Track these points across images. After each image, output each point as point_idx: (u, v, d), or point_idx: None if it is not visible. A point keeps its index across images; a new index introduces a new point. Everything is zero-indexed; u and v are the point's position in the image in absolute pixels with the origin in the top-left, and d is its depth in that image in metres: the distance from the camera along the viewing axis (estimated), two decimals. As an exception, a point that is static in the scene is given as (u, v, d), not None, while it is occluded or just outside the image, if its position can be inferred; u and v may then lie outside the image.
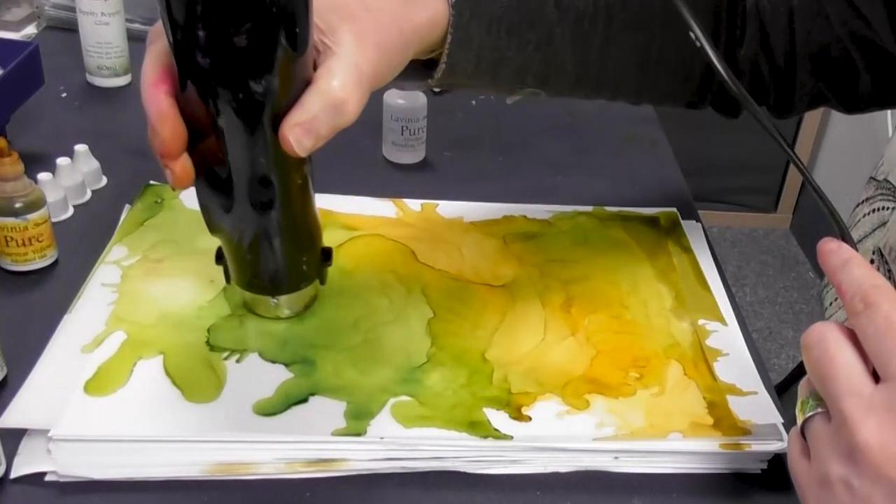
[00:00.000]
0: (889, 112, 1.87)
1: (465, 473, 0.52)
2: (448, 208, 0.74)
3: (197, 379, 0.54)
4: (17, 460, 0.49)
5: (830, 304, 0.72)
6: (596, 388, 0.56)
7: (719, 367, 0.58)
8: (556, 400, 0.55)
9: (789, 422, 0.47)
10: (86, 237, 0.68)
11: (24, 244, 0.62)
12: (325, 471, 0.51)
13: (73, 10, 0.94)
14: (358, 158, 0.83)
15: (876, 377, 0.39)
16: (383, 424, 0.52)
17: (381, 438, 0.51)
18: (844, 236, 0.44)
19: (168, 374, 0.54)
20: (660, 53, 0.62)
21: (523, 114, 0.93)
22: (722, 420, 0.54)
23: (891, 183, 0.65)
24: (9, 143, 0.61)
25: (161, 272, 0.63)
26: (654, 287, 0.66)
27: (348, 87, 0.45)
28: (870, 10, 0.59)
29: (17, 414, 0.51)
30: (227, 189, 0.48)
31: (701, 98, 0.66)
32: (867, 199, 0.68)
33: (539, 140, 0.90)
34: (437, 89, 0.59)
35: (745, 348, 0.61)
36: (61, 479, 0.49)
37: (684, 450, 0.53)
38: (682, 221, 0.74)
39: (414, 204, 0.74)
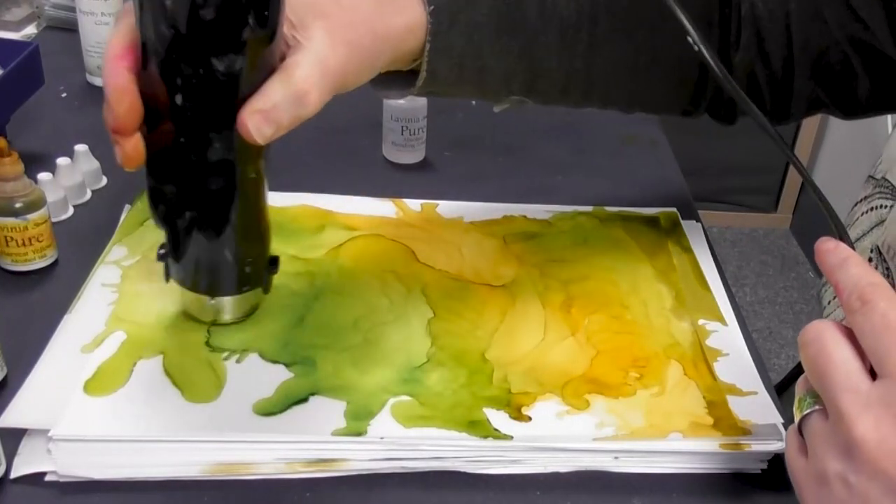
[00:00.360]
0: (889, 112, 1.87)
1: (465, 473, 0.52)
2: (448, 208, 0.74)
3: (197, 379, 0.54)
4: (17, 460, 0.49)
5: (829, 302, 0.72)
6: (596, 388, 0.56)
7: (719, 367, 0.58)
8: (556, 400, 0.55)
9: (789, 422, 0.47)
10: (86, 237, 0.68)
11: (24, 244, 0.62)
12: (325, 471, 0.51)
13: (73, 10, 0.94)
14: (358, 158, 0.83)
15: (873, 374, 0.39)
16: (383, 424, 0.52)
17: (381, 438, 0.51)
18: (842, 236, 0.44)
19: (168, 374, 0.54)
20: (649, 62, 0.61)
21: (523, 114, 0.92)
22: (722, 420, 0.54)
23: (889, 181, 0.65)
24: (9, 143, 0.61)
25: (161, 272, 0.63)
26: (654, 287, 0.66)
27: (312, 79, 0.45)
28: (868, 12, 0.59)
29: (17, 414, 0.51)
30: (176, 175, 0.47)
31: (695, 106, 0.66)
32: (865, 198, 0.68)
33: (539, 140, 0.90)
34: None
35: (745, 348, 0.61)
36: (61, 479, 0.49)
37: (684, 450, 0.53)
38: (682, 221, 0.74)
39: (414, 204, 0.74)
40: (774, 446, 0.52)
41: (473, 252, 0.68)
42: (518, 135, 0.90)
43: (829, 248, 0.43)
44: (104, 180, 0.75)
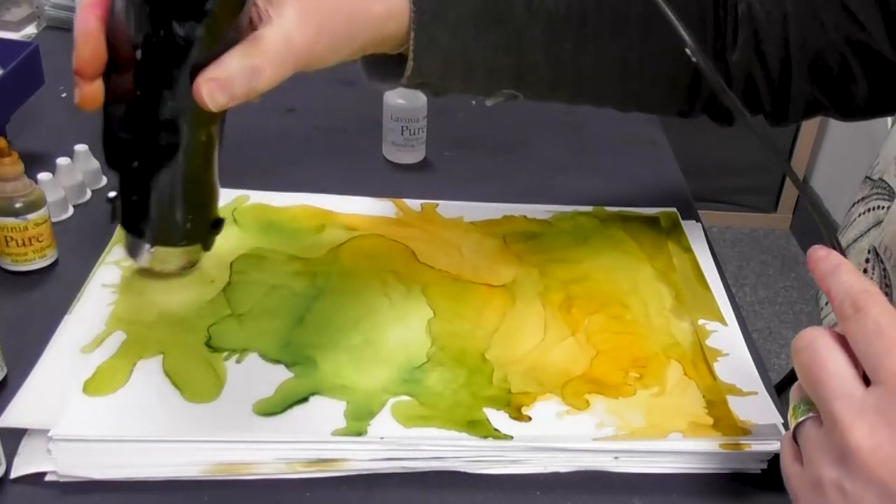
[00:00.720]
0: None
1: (465, 473, 0.52)
2: (448, 208, 0.74)
3: (197, 379, 0.54)
4: (17, 460, 0.49)
5: (826, 303, 0.72)
6: (596, 388, 0.56)
7: (719, 367, 0.58)
8: (556, 400, 0.55)
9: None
10: (86, 237, 0.68)
11: (24, 244, 0.62)
12: (325, 471, 0.51)
13: (73, 10, 0.94)
14: (358, 158, 0.83)
15: (866, 381, 0.39)
16: (383, 424, 0.52)
17: (382, 438, 0.51)
18: (833, 242, 0.44)
19: (168, 374, 0.54)
20: (640, 62, 0.61)
21: (523, 114, 0.93)
22: (722, 420, 0.54)
23: (886, 182, 0.65)
24: (9, 143, 0.61)
25: (161, 272, 0.63)
26: (654, 287, 0.66)
27: (269, 55, 0.46)
28: (865, 14, 0.59)
29: (17, 414, 0.51)
30: (130, 125, 0.49)
31: (691, 106, 0.66)
32: (863, 199, 0.68)
33: (539, 140, 0.90)
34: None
35: (745, 348, 0.61)
36: (61, 479, 0.49)
37: (684, 450, 0.53)
38: (682, 221, 0.74)
39: (414, 204, 0.74)
40: (774, 446, 0.52)
41: (473, 252, 0.68)
42: (518, 135, 0.90)
43: (821, 256, 0.43)
44: (104, 180, 0.76)
